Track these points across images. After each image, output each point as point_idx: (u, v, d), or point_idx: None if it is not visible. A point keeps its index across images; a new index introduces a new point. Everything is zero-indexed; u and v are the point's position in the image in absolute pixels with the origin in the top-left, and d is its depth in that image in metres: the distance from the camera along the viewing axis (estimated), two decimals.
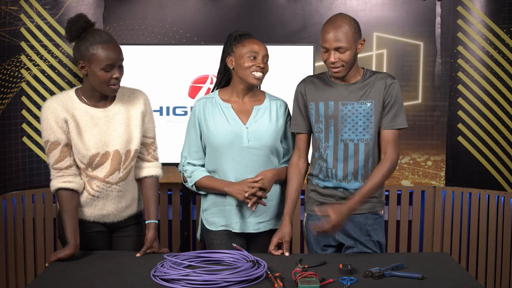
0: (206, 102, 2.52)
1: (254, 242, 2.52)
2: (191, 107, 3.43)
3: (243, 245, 2.44)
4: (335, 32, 2.28)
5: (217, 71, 2.59)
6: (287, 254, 2.33)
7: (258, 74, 2.43)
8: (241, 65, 2.43)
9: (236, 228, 2.46)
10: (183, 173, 2.55)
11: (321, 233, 2.33)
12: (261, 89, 2.63)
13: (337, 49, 2.28)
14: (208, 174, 2.50)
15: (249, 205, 2.39)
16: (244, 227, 2.47)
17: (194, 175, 2.50)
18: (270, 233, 2.51)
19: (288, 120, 2.55)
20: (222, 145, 2.45)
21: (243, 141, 2.45)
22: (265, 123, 2.49)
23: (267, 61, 2.46)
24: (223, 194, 2.47)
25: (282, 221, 2.42)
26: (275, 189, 2.52)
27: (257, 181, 2.40)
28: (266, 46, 2.49)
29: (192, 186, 2.52)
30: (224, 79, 2.57)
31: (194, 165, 2.53)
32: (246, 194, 2.38)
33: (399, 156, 2.44)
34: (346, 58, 2.29)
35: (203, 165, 2.54)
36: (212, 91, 2.60)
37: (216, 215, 2.51)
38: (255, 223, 2.48)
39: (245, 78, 2.45)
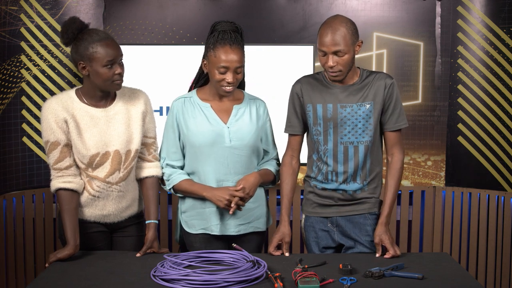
0: (185, 101, 2.47)
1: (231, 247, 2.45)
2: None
3: (224, 249, 2.40)
4: (333, 36, 2.25)
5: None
6: (287, 254, 2.32)
7: (228, 88, 2.37)
8: (212, 76, 2.38)
9: (215, 231, 2.43)
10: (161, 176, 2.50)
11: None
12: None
13: (335, 52, 2.26)
14: (187, 177, 2.45)
15: (230, 212, 2.36)
16: (224, 229, 2.44)
17: (172, 178, 2.45)
18: (253, 235, 2.49)
19: (268, 120, 2.53)
20: (204, 145, 2.41)
21: (225, 141, 2.41)
22: (246, 123, 2.45)
23: (240, 70, 2.37)
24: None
25: (281, 221, 2.41)
26: (256, 192, 2.48)
27: (238, 190, 2.37)
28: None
29: (170, 189, 2.48)
30: (203, 77, 2.51)
31: (173, 166, 2.48)
32: (233, 204, 2.35)
33: (404, 154, 2.46)
34: (344, 62, 2.27)
35: (182, 167, 2.49)
36: (190, 89, 2.56)
37: (195, 218, 2.46)
38: (235, 225, 2.45)
39: (216, 88, 2.41)
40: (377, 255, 2.31)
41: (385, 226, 2.34)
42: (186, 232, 2.49)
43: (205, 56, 2.42)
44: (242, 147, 2.43)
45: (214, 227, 2.43)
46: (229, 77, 2.34)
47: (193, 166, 2.46)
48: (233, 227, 2.45)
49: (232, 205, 2.35)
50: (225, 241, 2.47)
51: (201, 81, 2.53)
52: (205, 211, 2.44)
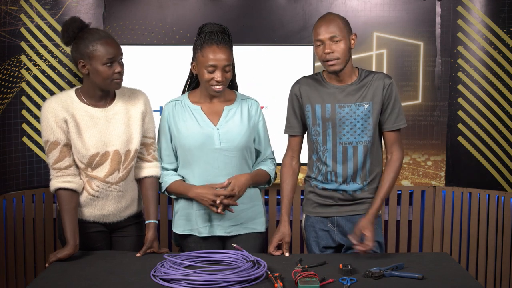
0: (176, 104, 2.48)
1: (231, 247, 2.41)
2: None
3: (217, 249, 2.40)
4: (328, 24, 2.30)
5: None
6: (287, 254, 2.32)
7: (218, 87, 2.37)
8: (201, 76, 2.39)
9: (204, 233, 2.42)
10: None
11: (367, 252, 2.27)
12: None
13: (331, 39, 2.29)
14: (178, 178, 2.46)
15: (218, 211, 2.34)
16: (213, 230, 2.43)
17: (164, 181, 2.47)
18: (247, 236, 2.46)
19: (261, 120, 2.52)
20: (194, 147, 2.41)
21: (214, 143, 2.40)
22: (237, 123, 2.44)
23: (228, 69, 2.37)
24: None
25: (281, 221, 2.41)
26: (250, 192, 2.47)
27: (224, 187, 2.34)
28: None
29: (164, 192, 2.49)
30: (194, 80, 2.52)
31: (166, 169, 2.49)
32: (218, 202, 2.33)
33: (403, 153, 2.45)
34: (341, 49, 2.29)
35: (176, 169, 2.50)
36: (183, 93, 2.57)
37: (182, 218, 2.47)
38: (227, 226, 2.44)
39: (206, 88, 2.41)
40: (354, 241, 2.25)
41: (371, 217, 2.31)
42: (178, 233, 2.50)
43: (193, 59, 2.43)
44: (232, 148, 2.42)
45: (203, 229, 2.43)
46: (217, 75, 2.34)
47: (185, 168, 2.47)
48: (224, 228, 2.44)
49: (217, 203, 2.33)
50: (219, 241, 2.47)
51: (192, 84, 2.53)
52: (193, 213, 2.44)
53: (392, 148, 2.42)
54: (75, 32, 2.27)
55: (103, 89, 2.32)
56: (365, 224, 2.29)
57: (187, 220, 2.46)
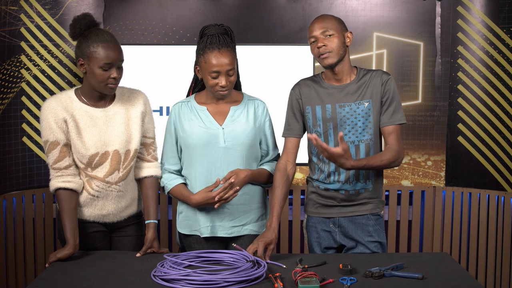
0: (182, 105, 2.48)
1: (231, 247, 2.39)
2: None
3: (220, 249, 2.39)
4: (320, 20, 2.34)
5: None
6: (267, 259, 2.18)
7: (222, 92, 2.37)
8: (205, 81, 2.39)
9: (206, 233, 2.42)
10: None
11: (323, 151, 2.14)
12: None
13: (323, 33, 2.31)
14: (179, 182, 2.46)
15: (215, 206, 2.35)
16: (216, 231, 2.43)
17: (166, 184, 2.47)
18: (250, 237, 2.44)
19: (267, 120, 2.51)
20: (198, 146, 2.40)
21: (219, 142, 2.40)
22: (242, 122, 2.44)
23: (232, 72, 2.36)
24: None
25: (271, 228, 2.29)
26: (253, 193, 2.47)
27: (220, 183, 2.34)
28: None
29: (167, 194, 2.50)
30: (199, 83, 2.53)
31: (169, 170, 2.49)
32: (216, 198, 2.32)
33: (403, 151, 2.38)
34: (334, 43, 2.31)
35: (179, 170, 2.51)
36: (188, 95, 2.57)
37: (186, 218, 2.48)
38: (228, 227, 2.43)
39: (212, 92, 2.42)
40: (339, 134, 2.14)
41: (353, 161, 2.19)
42: (182, 233, 2.50)
43: (197, 63, 2.42)
44: (236, 146, 2.41)
45: (204, 229, 2.43)
46: (221, 81, 2.34)
47: (187, 168, 2.47)
48: (226, 228, 2.44)
49: (216, 199, 2.33)
50: (221, 242, 2.46)
51: (198, 86, 2.54)
52: (196, 213, 2.45)
53: (387, 140, 2.36)
54: (81, 29, 2.27)
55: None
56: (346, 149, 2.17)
57: (190, 220, 2.46)
